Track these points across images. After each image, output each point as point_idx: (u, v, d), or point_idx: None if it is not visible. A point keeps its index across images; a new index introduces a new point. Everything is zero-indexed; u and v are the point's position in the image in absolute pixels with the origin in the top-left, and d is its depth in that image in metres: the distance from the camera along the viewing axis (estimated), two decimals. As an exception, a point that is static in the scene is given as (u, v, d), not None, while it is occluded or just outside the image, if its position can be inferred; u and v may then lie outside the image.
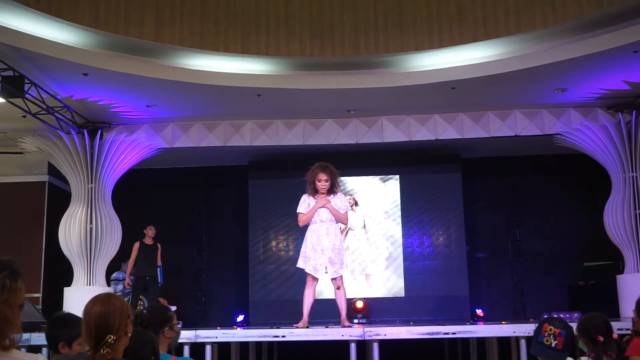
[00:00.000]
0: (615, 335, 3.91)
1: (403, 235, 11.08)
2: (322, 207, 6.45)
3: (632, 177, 9.39)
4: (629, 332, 4.55)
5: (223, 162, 11.62)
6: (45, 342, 3.73)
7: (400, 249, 11.04)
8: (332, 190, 6.54)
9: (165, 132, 10.22)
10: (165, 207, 11.90)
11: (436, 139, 10.20)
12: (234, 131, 10.26)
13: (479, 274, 11.48)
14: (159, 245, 9.75)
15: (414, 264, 10.99)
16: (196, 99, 9.14)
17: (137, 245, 9.61)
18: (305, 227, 6.70)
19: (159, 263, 9.68)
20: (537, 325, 3.67)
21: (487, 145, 10.70)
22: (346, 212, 6.62)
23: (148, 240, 9.68)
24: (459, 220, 11.02)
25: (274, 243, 11.20)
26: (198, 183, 12.07)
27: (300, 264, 6.60)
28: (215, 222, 12.12)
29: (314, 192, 6.54)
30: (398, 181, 11.27)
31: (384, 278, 11.01)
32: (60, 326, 3.46)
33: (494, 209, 11.78)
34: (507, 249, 11.65)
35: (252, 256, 11.13)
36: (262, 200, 11.21)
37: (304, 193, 6.68)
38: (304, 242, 6.62)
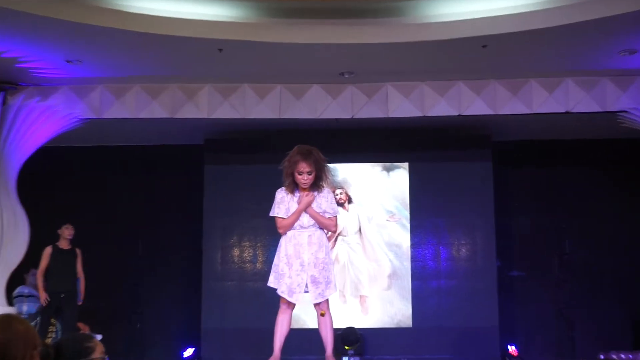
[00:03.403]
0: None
1: (412, 245, 11.15)
2: (308, 207, 6.43)
3: None
4: None
5: (170, 140, 11.61)
6: None
7: (408, 263, 11.10)
8: (316, 184, 6.51)
9: (92, 97, 10.16)
10: (89, 200, 11.87)
11: (459, 115, 10.23)
12: (185, 98, 10.22)
13: (513, 299, 11.56)
14: (78, 250, 9.73)
15: (425, 284, 11.05)
16: (135, 53, 9.09)
17: (48, 250, 9.58)
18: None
19: (79, 275, 9.67)
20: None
21: (528, 124, 10.75)
22: (334, 216, 6.61)
23: (63, 244, 9.66)
24: (488, 225, 11.11)
25: (236, 251, 11.22)
26: (135, 168, 12.06)
27: (271, 282, 6.58)
28: (157, 221, 12.11)
29: (293, 186, 6.51)
30: (407, 171, 11.32)
31: (385, 302, 11.07)
32: None
33: (535, 210, 11.86)
34: (551, 264, 11.72)
35: (207, 268, 11.16)
36: (222, 193, 11.23)
37: (279, 186, 6.66)
38: (277, 254, 6.58)
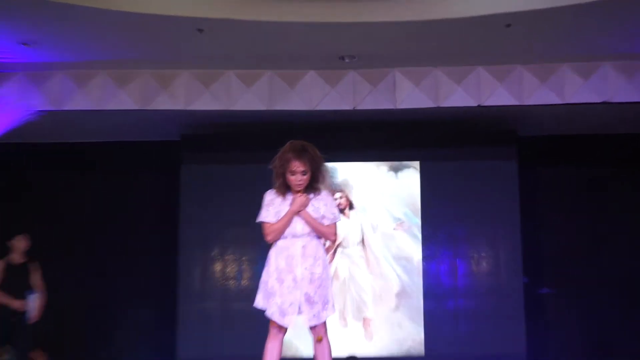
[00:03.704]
0: None
1: (424, 258, 11.11)
2: (301, 210, 6.37)
3: None
4: None
5: (140, 135, 11.64)
6: None
7: (420, 279, 11.07)
8: (312, 186, 6.47)
9: (51, 85, 10.19)
10: (47, 206, 11.85)
11: (479, 106, 10.25)
12: (159, 87, 10.25)
13: (542, 321, 11.56)
14: (34, 264, 9.75)
15: (440, 304, 11.02)
16: (100, 33, 9.07)
17: (0, 265, 9.60)
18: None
19: (39, 289, 9.69)
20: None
21: (559, 117, 10.75)
22: (334, 222, 6.56)
23: (17, 258, 9.69)
24: (514, 234, 11.06)
25: (218, 266, 11.18)
26: (101, 168, 12.06)
27: (259, 302, 6.54)
28: (126, 230, 12.09)
29: (285, 188, 6.46)
30: (418, 171, 11.29)
31: (392, 325, 11.03)
32: None
33: (569, 217, 11.84)
34: (587, 281, 11.69)
35: (184, 286, 11.10)
36: (202, 197, 11.20)
37: (268, 188, 6.61)
38: (265, 268, 6.55)
